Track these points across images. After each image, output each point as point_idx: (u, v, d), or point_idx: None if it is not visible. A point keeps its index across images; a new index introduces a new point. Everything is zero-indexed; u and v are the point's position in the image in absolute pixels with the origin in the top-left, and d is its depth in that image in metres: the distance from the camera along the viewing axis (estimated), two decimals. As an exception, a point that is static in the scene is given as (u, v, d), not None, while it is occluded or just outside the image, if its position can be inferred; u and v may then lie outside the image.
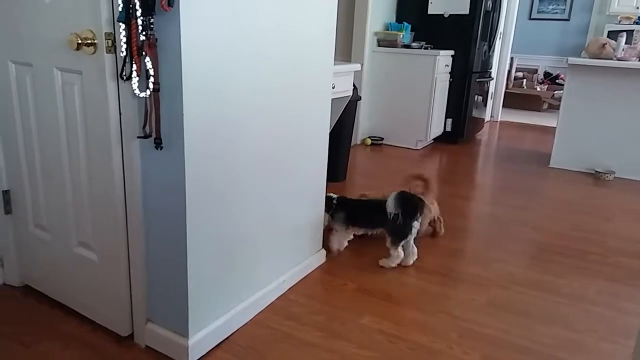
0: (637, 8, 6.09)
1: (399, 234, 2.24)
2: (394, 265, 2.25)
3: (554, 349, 1.70)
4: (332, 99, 2.84)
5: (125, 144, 1.43)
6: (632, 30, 4.35)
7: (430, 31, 4.84)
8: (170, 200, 1.42)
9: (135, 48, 1.30)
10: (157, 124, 1.36)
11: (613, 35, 4.95)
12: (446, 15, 4.75)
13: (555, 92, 7.57)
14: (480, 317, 1.88)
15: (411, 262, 2.30)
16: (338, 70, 2.82)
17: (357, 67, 3.13)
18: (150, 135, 1.37)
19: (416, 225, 2.26)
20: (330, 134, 3.24)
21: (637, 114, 3.92)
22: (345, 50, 4.69)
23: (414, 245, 2.29)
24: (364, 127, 4.88)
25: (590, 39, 6.72)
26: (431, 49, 4.68)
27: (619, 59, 3.90)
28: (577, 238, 2.73)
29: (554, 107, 7.62)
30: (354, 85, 3.22)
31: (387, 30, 4.81)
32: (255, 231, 1.75)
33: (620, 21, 6.24)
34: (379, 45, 4.73)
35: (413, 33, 4.86)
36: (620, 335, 1.80)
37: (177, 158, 1.37)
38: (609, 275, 2.30)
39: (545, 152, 4.66)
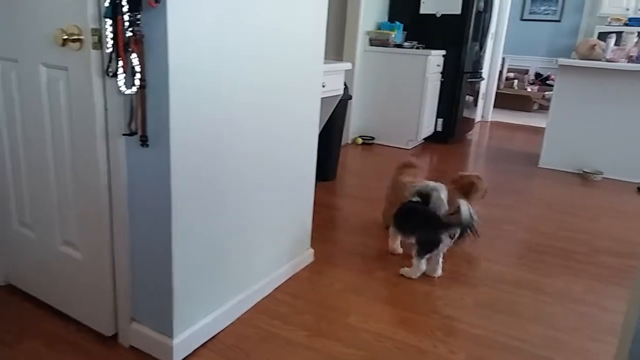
0: (627, 10, 6.14)
1: (428, 245, 2.09)
2: (414, 277, 2.12)
3: (540, 348, 1.72)
4: (323, 98, 2.84)
5: (111, 141, 1.42)
6: (622, 32, 4.38)
7: (422, 31, 4.84)
8: (155, 199, 1.41)
9: (121, 44, 1.29)
10: (143, 122, 1.35)
11: (603, 36, 4.99)
12: (438, 15, 4.76)
13: (546, 92, 7.62)
14: (467, 316, 1.89)
15: (438, 273, 2.16)
16: (329, 69, 2.82)
17: (348, 66, 3.13)
18: (136, 133, 1.36)
19: (447, 240, 2.10)
20: (321, 133, 3.24)
21: (625, 115, 3.96)
22: (337, 49, 4.68)
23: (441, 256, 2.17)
24: (355, 126, 4.88)
25: (581, 40, 6.78)
26: (423, 48, 4.69)
27: (608, 60, 3.94)
28: (564, 238, 2.75)
29: (544, 108, 7.67)
30: (344, 84, 3.22)
31: (379, 29, 4.81)
32: (243, 230, 1.74)
33: (610, 22, 6.29)
34: (371, 45, 4.73)
35: (405, 32, 4.87)
36: (605, 334, 1.82)
37: (163, 156, 1.36)
38: (594, 274, 2.32)
39: (535, 152, 4.69)
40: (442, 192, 2.16)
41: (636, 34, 4.09)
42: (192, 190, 1.45)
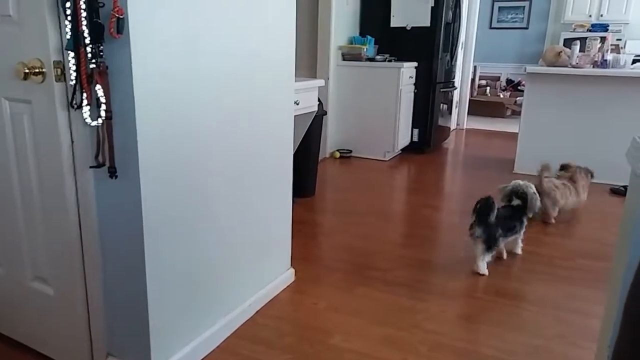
0: (590, 16, 6.34)
1: (494, 242, 2.33)
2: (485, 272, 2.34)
3: (523, 357, 1.72)
4: (297, 115, 2.84)
5: (79, 174, 1.39)
6: (586, 38, 4.52)
7: (394, 44, 4.91)
8: (127, 230, 1.38)
9: (84, 76, 1.27)
10: (110, 153, 1.32)
11: (569, 42, 5.13)
12: (408, 28, 4.84)
13: (518, 98, 7.78)
14: (449, 329, 1.89)
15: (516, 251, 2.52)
16: (302, 87, 2.82)
17: (321, 82, 3.15)
18: (103, 165, 1.34)
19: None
20: (297, 149, 3.25)
21: (594, 119, 4.06)
22: (310, 64, 4.71)
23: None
24: (332, 140, 4.90)
25: (547, 46, 6.95)
26: (395, 61, 4.75)
27: (573, 66, 4.04)
28: (542, 243, 2.79)
29: (516, 113, 7.82)
30: (319, 100, 3.23)
31: (351, 44, 4.86)
32: (220, 255, 1.72)
33: (574, 29, 6.48)
34: (344, 59, 4.77)
35: (377, 46, 4.93)
36: (586, 340, 1.84)
37: (132, 186, 1.34)
38: (574, 279, 2.35)
39: (510, 158, 4.76)
40: (534, 189, 2.47)
41: (599, 39, 4.22)
42: (164, 219, 1.43)
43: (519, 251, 2.60)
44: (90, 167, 1.35)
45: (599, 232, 3.00)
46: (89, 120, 1.30)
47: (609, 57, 3.98)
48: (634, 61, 4.22)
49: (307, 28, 4.64)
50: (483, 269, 2.34)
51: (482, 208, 2.31)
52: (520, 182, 2.52)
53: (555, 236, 2.91)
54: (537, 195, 2.48)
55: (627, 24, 6.24)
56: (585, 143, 4.12)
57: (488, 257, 2.35)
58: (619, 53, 4.15)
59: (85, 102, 1.29)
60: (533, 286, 2.26)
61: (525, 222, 2.55)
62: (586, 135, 4.11)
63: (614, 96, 3.96)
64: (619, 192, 3.79)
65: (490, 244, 2.32)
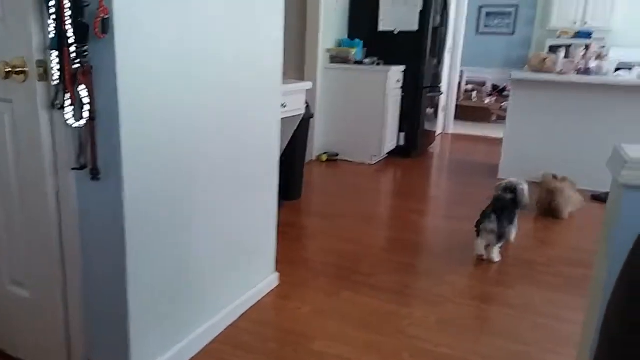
0: (575, 23, 6.44)
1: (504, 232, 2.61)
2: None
3: (504, 364, 1.74)
4: (284, 118, 2.83)
5: (61, 176, 1.36)
6: (571, 45, 4.60)
7: (382, 47, 4.93)
8: (109, 233, 1.36)
9: (68, 76, 1.25)
10: (93, 154, 1.30)
11: (554, 49, 5.22)
12: (396, 32, 4.86)
13: (503, 103, 7.86)
14: (432, 335, 1.90)
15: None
16: (289, 90, 2.82)
17: (309, 85, 3.14)
18: (86, 166, 1.31)
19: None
20: (284, 152, 3.24)
21: (578, 126, 4.12)
22: (298, 67, 4.70)
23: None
24: (319, 143, 4.90)
25: (533, 52, 7.04)
26: (383, 64, 4.76)
27: (558, 73, 4.10)
28: (524, 248, 2.82)
29: (502, 119, 7.90)
30: (306, 103, 3.23)
31: (340, 46, 4.87)
32: (204, 258, 1.71)
33: (559, 35, 6.57)
34: (332, 62, 4.78)
35: (365, 49, 4.94)
36: (564, 346, 1.86)
37: (115, 189, 1.32)
38: (553, 284, 2.38)
39: (495, 163, 4.81)
40: (524, 186, 2.72)
41: (583, 47, 4.29)
42: (147, 222, 1.41)
43: (513, 238, 2.84)
44: (72, 169, 1.33)
45: (580, 239, 3.04)
46: (72, 121, 1.27)
47: (593, 64, 4.04)
48: (617, 69, 4.30)
49: (295, 30, 4.63)
50: (498, 256, 2.63)
51: (497, 201, 2.68)
52: (514, 179, 2.79)
53: (537, 242, 2.94)
54: (527, 192, 2.74)
55: (610, 31, 6.35)
56: (569, 149, 4.18)
57: (500, 245, 2.64)
58: (602, 60, 4.22)
59: (68, 102, 1.27)
60: (514, 291, 2.29)
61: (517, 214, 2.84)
62: (569, 142, 4.17)
63: (597, 103, 4.03)
64: (600, 198, 3.85)
65: (501, 234, 2.60)
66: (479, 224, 2.63)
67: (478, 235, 2.64)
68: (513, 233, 2.83)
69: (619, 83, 3.89)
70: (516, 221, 2.81)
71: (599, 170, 3.91)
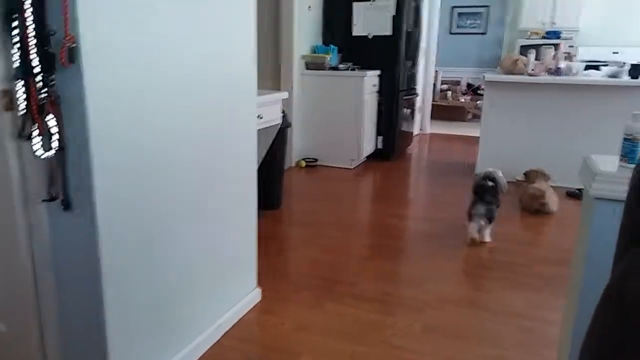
0: (543, 24, 6.57)
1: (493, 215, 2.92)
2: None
3: (487, 370, 1.76)
4: (261, 129, 2.82)
5: (31, 207, 1.33)
6: (541, 45, 4.69)
7: (357, 52, 4.95)
8: (84, 264, 1.33)
9: (35, 106, 1.22)
10: (64, 185, 1.28)
11: (525, 49, 5.31)
12: (370, 37, 4.88)
13: (478, 102, 7.97)
14: (416, 343, 1.91)
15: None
16: (265, 101, 2.81)
17: (284, 95, 3.14)
18: (57, 197, 1.29)
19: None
20: (262, 162, 3.22)
21: (550, 124, 4.20)
22: (275, 74, 4.69)
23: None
24: (297, 149, 4.89)
25: (505, 52, 7.16)
26: (358, 69, 4.78)
27: (530, 74, 4.18)
28: (504, 250, 2.86)
29: (477, 117, 8.00)
30: (283, 112, 3.22)
31: (315, 53, 4.87)
32: (183, 280, 1.68)
33: (529, 36, 6.70)
34: (308, 69, 4.78)
35: (340, 55, 4.95)
36: (546, 348, 1.90)
37: (88, 219, 1.29)
38: (533, 286, 2.42)
39: (472, 162, 4.87)
40: (500, 173, 3.02)
41: (553, 47, 4.38)
42: (122, 249, 1.39)
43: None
44: (43, 200, 1.30)
45: (556, 237, 3.10)
46: (40, 151, 1.25)
47: (562, 65, 4.13)
48: (587, 67, 4.41)
49: (269, 38, 4.62)
50: (489, 237, 2.94)
51: (480, 189, 2.96)
52: (490, 169, 3.08)
53: (513, 242, 2.99)
54: (503, 178, 3.03)
55: (578, 31, 6.50)
56: (543, 147, 4.26)
57: (490, 228, 2.93)
58: (571, 60, 4.32)
59: (36, 132, 1.24)
60: (494, 294, 2.32)
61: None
62: (543, 140, 4.26)
63: (568, 102, 4.12)
64: (575, 195, 3.93)
65: (491, 216, 2.89)
66: (470, 210, 2.96)
67: (470, 220, 2.94)
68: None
69: (587, 82, 3.99)
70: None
71: (573, 167, 4.00)
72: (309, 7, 4.75)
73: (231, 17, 1.77)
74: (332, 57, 4.80)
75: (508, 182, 3.16)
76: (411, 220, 3.44)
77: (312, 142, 4.94)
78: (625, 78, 3.90)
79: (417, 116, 6.57)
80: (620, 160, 1.17)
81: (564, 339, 1.54)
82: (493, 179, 3.01)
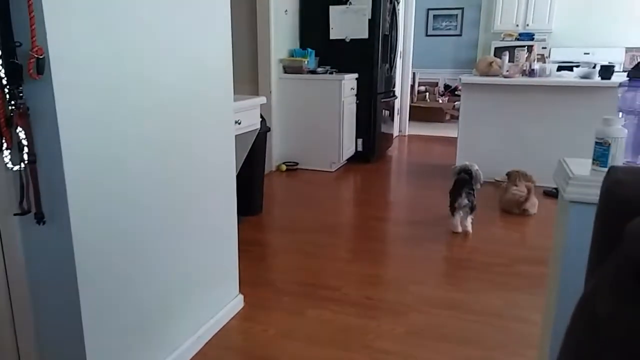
0: (517, 25, 6.69)
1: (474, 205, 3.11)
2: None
3: (469, 371, 1.77)
4: (239, 135, 2.80)
5: (3, 222, 1.29)
6: (515, 47, 4.77)
7: (334, 56, 4.96)
8: (60, 278, 1.30)
9: (3, 119, 1.19)
10: (36, 198, 1.24)
11: (500, 50, 5.39)
12: (347, 40, 4.90)
13: (456, 103, 8.07)
14: (400, 347, 1.92)
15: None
16: (243, 106, 2.79)
17: (263, 100, 3.12)
18: (29, 211, 1.25)
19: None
20: (242, 167, 3.20)
21: (526, 124, 4.28)
22: (252, 79, 4.67)
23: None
24: (277, 153, 4.88)
25: (480, 53, 7.27)
26: (336, 73, 4.80)
27: (505, 76, 4.24)
28: (483, 250, 2.89)
29: (455, 118, 8.10)
30: (261, 117, 3.20)
31: (292, 56, 4.87)
32: (162, 293, 1.66)
33: (503, 38, 6.81)
34: (285, 72, 4.77)
35: (317, 58, 4.96)
36: (527, 348, 1.92)
37: (63, 231, 1.26)
38: (513, 285, 2.45)
39: (451, 163, 4.92)
40: (476, 166, 3.19)
41: (526, 49, 4.45)
42: (98, 260, 1.36)
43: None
44: (15, 214, 1.26)
45: (534, 236, 3.15)
46: (10, 165, 1.21)
47: (536, 66, 4.21)
48: (559, 68, 4.49)
49: (246, 42, 4.60)
50: (470, 226, 3.12)
51: (460, 182, 3.14)
52: (466, 162, 3.28)
53: (494, 243, 3.03)
54: (479, 171, 3.20)
55: (551, 32, 6.64)
56: (519, 147, 4.34)
57: (472, 216, 3.13)
58: (544, 62, 4.40)
59: (4, 146, 1.20)
60: (476, 295, 2.34)
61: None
62: (520, 140, 4.33)
63: (542, 102, 4.20)
64: (552, 194, 4.00)
65: (472, 206, 3.09)
66: (452, 204, 3.13)
67: (453, 214, 3.13)
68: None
69: (561, 83, 4.07)
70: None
71: (549, 166, 4.08)
72: (286, 11, 4.75)
73: (206, 24, 1.76)
74: (309, 61, 4.81)
75: (486, 182, 3.24)
76: (392, 223, 3.46)
77: (292, 145, 4.93)
78: (597, 79, 3.99)
79: (396, 118, 6.62)
80: (593, 163, 1.19)
81: (544, 339, 1.56)
82: (469, 172, 3.17)
